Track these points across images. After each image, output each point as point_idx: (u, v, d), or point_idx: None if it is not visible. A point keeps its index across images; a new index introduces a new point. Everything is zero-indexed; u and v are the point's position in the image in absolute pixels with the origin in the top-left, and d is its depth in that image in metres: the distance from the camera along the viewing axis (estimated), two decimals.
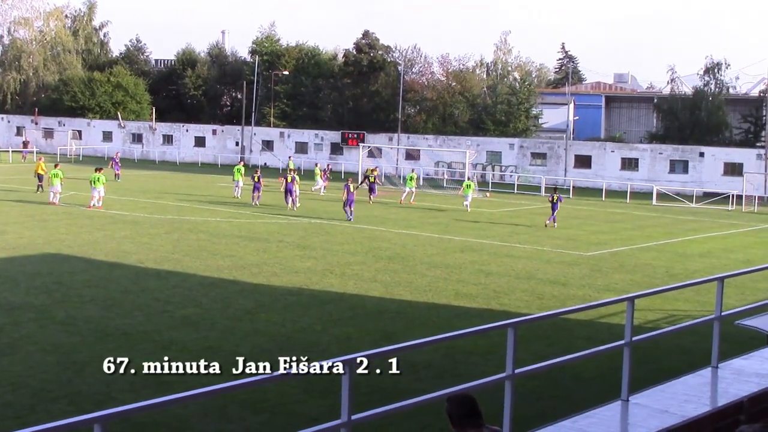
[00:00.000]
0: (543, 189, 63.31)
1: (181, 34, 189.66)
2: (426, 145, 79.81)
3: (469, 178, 54.09)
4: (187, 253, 29.15)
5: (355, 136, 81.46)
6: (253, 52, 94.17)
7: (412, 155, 76.82)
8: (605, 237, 38.23)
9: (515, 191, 64.67)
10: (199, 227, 35.93)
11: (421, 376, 16.02)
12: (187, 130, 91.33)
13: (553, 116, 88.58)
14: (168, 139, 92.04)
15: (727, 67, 78.59)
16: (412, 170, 62.72)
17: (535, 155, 76.87)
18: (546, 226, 40.86)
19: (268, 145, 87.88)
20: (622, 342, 9.11)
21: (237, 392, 6.14)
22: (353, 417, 6.42)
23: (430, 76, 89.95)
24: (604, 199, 59.05)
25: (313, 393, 14.38)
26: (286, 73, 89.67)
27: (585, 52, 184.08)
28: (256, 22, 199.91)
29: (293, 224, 38.38)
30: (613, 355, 9.51)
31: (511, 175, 72.95)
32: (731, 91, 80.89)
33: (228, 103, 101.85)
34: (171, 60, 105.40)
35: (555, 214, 41.10)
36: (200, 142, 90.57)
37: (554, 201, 41.28)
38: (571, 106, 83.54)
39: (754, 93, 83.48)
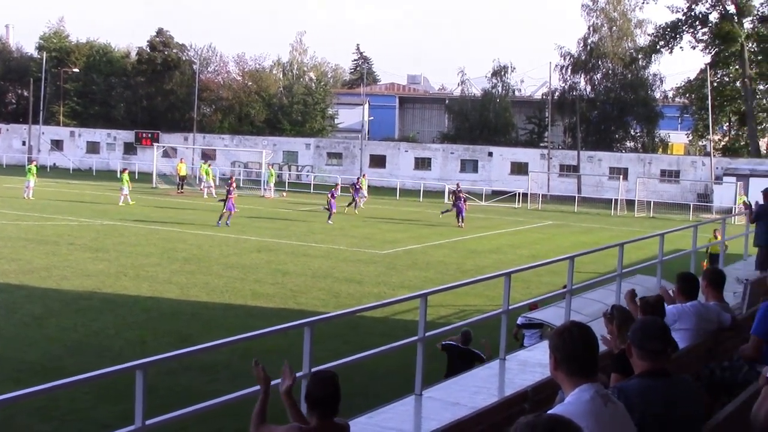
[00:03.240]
0: (339, 188, 63.87)
1: None
2: (222, 145, 78.91)
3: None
4: None
5: (150, 135, 79.46)
6: (40, 48, 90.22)
7: (208, 155, 75.75)
8: (400, 235, 39.02)
9: (311, 191, 64.93)
10: None
11: (219, 377, 15.83)
12: None
13: (348, 116, 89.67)
14: None
15: (513, 71, 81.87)
16: (206, 163, 62.18)
17: (331, 155, 77.50)
18: (461, 226, 42.67)
19: (57, 144, 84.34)
20: (415, 338, 9.31)
21: (23, 401, 5.80)
22: (147, 422, 6.26)
23: (226, 75, 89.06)
24: (398, 198, 60.26)
25: (106, 398, 13.91)
26: (77, 70, 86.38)
27: (380, 54, 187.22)
28: (44, 16, 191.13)
29: (84, 226, 36.99)
30: (408, 350, 9.71)
31: (307, 175, 73.19)
32: (517, 93, 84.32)
33: (13, 101, 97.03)
34: None
35: (463, 213, 43.39)
36: None
37: (456, 201, 43.22)
38: (366, 106, 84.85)
39: (538, 95, 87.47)
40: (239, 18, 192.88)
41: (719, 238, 25.14)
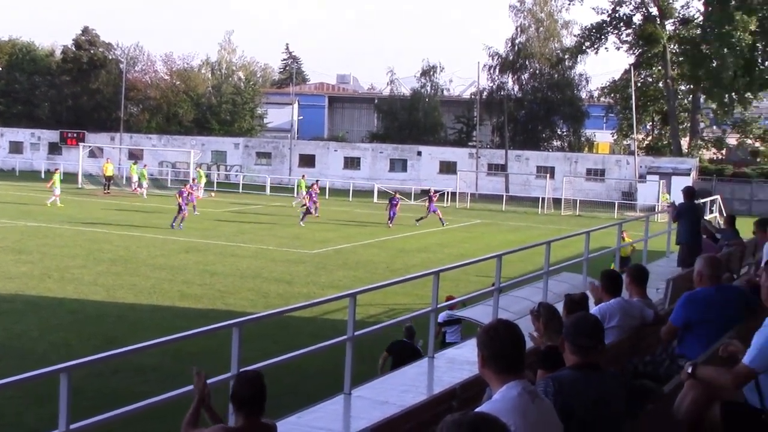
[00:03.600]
0: (268, 188, 63.60)
1: None
2: (150, 145, 77.88)
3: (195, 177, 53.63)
4: None
5: (75, 135, 78.07)
6: None
7: (135, 155, 74.68)
8: (329, 235, 38.99)
9: (240, 191, 64.51)
10: None
11: (148, 379, 15.65)
12: None
13: (277, 116, 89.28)
14: None
15: (441, 71, 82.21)
16: (135, 163, 61.47)
17: (260, 155, 77.02)
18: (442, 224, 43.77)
19: None
20: (344, 337, 9.33)
21: None
22: (72, 426, 6.16)
23: (153, 74, 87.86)
24: (328, 197, 60.16)
25: (32, 402, 13.66)
26: None
27: (309, 53, 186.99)
28: None
29: (7, 228, 36.21)
30: (337, 349, 9.71)
31: (236, 175, 72.60)
32: (446, 93, 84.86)
33: None
34: None
35: (433, 213, 44.58)
36: None
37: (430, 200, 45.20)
38: (296, 106, 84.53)
39: (466, 95, 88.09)
40: (167, 16, 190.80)
41: (628, 239, 25.59)
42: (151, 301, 22.83)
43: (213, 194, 59.26)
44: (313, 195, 45.11)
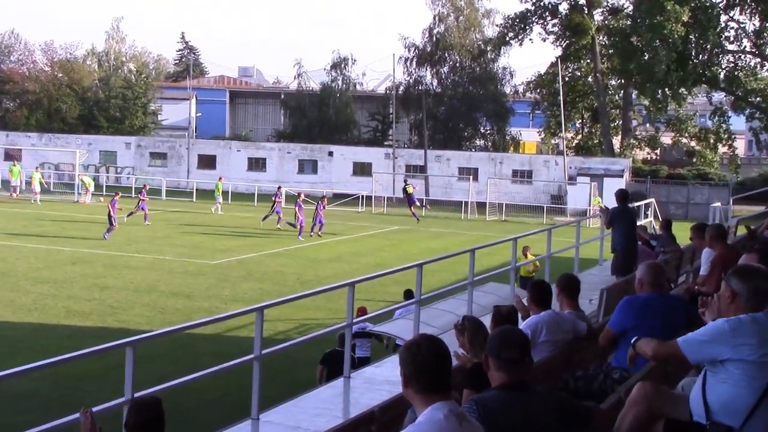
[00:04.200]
0: (164, 192, 62.86)
1: None
2: (29, 144, 76.20)
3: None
4: None
5: None
6: None
7: (12, 155, 72.96)
8: (233, 243, 38.74)
9: (133, 195, 63.52)
10: None
11: (26, 407, 15.31)
12: None
13: (173, 112, 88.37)
14: None
15: (354, 63, 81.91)
16: (15, 165, 60.18)
17: (154, 155, 76.07)
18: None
19: None
20: (251, 356, 9.26)
21: None
22: None
23: (32, 65, 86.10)
24: (230, 202, 59.70)
25: None
26: None
27: (207, 44, 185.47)
28: None
29: None
30: (243, 370, 9.64)
31: (128, 178, 71.55)
32: (359, 87, 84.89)
33: None
34: None
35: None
36: None
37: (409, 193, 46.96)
38: (193, 101, 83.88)
39: (381, 90, 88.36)
40: (46, 2, 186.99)
41: (529, 256, 25.49)
42: (33, 319, 22.37)
43: (102, 199, 58.29)
44: (277, 205, 45.70)
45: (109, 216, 38.88)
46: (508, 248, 17.87)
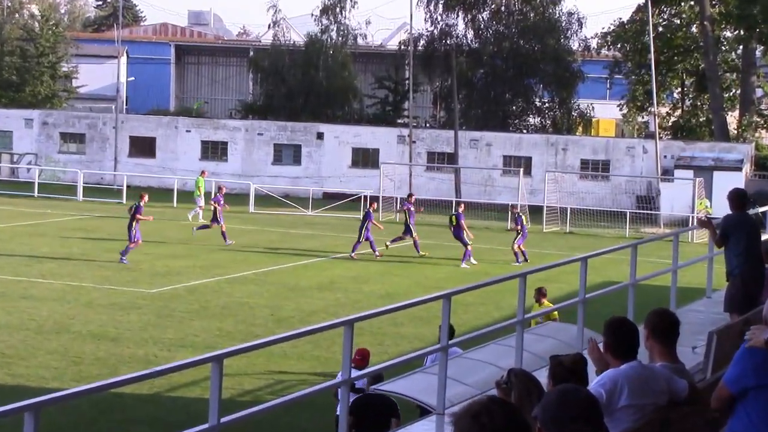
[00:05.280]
0: (81, 190, 62.85)
1: None
2: None
3: None
4: None
5: None
6: None
7: None
8: (180, 263, 38.71)
9: (36, 194, 63.60)
10: None
11: None
12: None
13: (94, 76, 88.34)
14: None
15: (354, 6, 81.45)
16: None
17: (66, 137, 76.06)
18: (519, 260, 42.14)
19: None
20: (205, 426, 9.23)
21: None
22: None
23: None
24: (176, 204, 59.71)
25: None
26: None
27: None
28: None
29: None
30: None
31: (28, 170, 71.63)
32: (360, 41, 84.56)
33: None
34: None
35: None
36: None
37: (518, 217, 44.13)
38: (124, 60, 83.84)
39: (393, 45, 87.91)
40: None
41: (546, 304, 24.49)
42: None
43: None
44: (219, 214, 45.57)
45: (131, 226, 39.00)
46: (573, 273, 17.83)
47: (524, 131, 76.38)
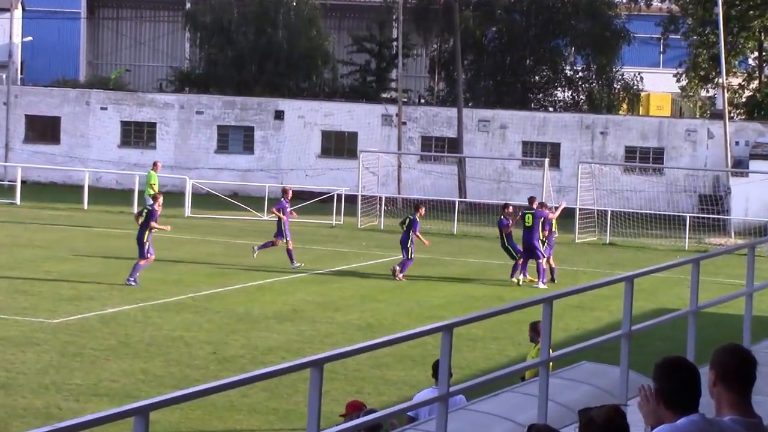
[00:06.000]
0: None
1: None
2: None
3: None
4: None
5: None
6: None
7: None
8: (91, 285, 38.68)
9: None
10: None
11: None
12: None
13: None
14: None
15: None
16: None
17: None
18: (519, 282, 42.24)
19: None
20: None
21: None
22: None
23: None
24: (86, 205, 59.74)
25: None
26: None
27: None
28: None
29: None
30: None
31: None
32: None
33: None
34: None
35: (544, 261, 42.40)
36: None
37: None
38: (18, 13, 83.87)
39: None
40: None
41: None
42: None
43: None
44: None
45: (142, 238, 39.54)
46: (616, 297, 17.86)
47: (550, 109, 76.57)
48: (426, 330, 14.18)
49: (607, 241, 56.92)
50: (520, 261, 42.28)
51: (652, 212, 62.11)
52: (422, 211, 44.84)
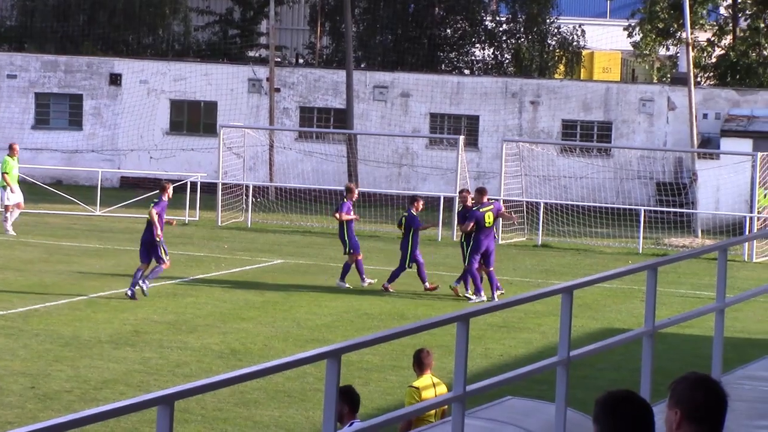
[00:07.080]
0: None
1: None
2: None
3: None
4: None
5: None
6: None
7: None
8: None
9: None
10: None
11: None
12: None
13: None
14: None
15: None
16: None
17: None
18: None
19: None
20: None
21: None
22: None
23: None
24: None
25: None
26: None
27: None
28: None
29: None
30: None
31: None
32: None
33: None
34: None
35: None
36: None
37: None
38: None
39: None
40: None
41: None
42: None
43: None
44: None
45: (155, 236, 39.42)
46: (550, 314, 18.06)
47: (466, 72, 76.99)
48: (306, 357, 14.28)
49: (539, 243, 57.32)
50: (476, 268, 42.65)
51: (597, 205, 62.60)
52: (419, 204, 45.04)
